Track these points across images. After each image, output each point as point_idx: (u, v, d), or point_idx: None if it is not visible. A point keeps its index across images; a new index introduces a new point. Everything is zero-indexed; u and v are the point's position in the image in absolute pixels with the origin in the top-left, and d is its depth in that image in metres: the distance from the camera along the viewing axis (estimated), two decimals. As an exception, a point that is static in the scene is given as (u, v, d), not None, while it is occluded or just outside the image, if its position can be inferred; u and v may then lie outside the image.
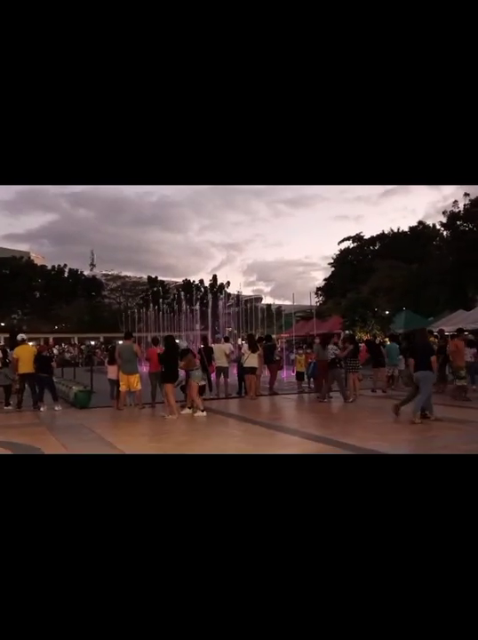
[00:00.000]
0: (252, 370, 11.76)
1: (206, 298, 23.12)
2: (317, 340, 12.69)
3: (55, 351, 31.01)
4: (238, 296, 23.37)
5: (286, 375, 16.56)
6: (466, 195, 37.45)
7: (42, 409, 10.47)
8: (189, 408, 9.63)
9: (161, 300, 26.40)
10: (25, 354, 10.75)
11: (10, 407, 10.93)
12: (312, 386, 13.11)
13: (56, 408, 10.56)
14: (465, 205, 36.73)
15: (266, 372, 13.29)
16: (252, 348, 11.86)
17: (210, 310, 23.43)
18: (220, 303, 24.19)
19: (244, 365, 11.88)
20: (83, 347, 41.59)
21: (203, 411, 9.34)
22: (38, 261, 67.50)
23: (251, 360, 11.70)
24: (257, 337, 14.19)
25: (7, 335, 30.30)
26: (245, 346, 12.45)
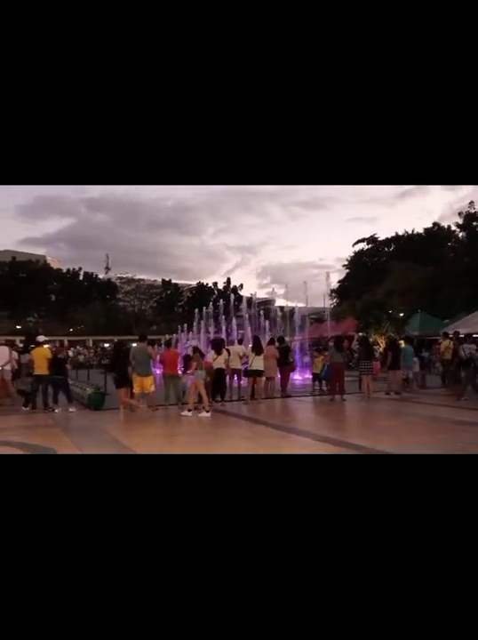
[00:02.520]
0: (257, 372, 11.50)
1: (219, 301, 23.15)
2: (331, 343, 12.64)
3: (70, 353, 31.30)
4: (251, 298, 23.35)
5: (302, 378, 16.52)
6: (483, 195, 37.15)
7: (56, 410, 10.59)
8: (188, 410, 9.84)
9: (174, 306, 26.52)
10: (36, 356, 10.90)
11: (26, 408, 11.06)
12: (325, 388, 13.05)
13: (70, 409, 10.66)
14: (481, 206, 36.39)
15: (278, 375, 13.22)
16: (257, 351, 11.58)
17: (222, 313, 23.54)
18: (233, 306, 24.25)
19: (250, 368, 11.56)
20: (99, 349, 41.96)
21: (207, 412, 9.60)
22: (54, 265, 68.29)
23: (257, 363, 11.43)
24: (269, 339, 14.17)
25: (24, 338, 30.64)
26: (249, 348, 12.07)
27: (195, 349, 10.72)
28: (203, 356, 10.48)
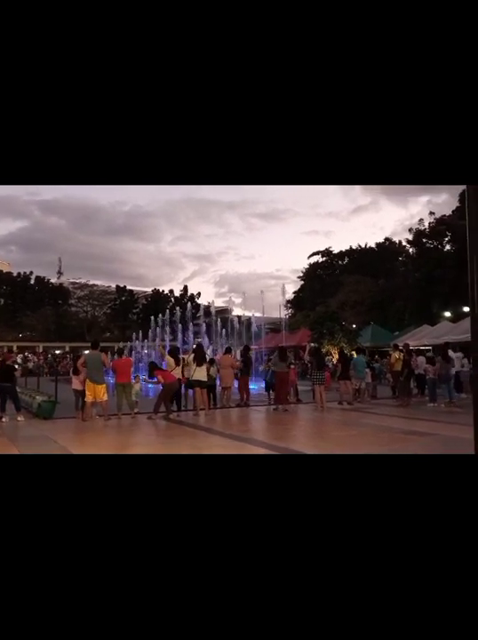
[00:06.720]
0: (200, 383, 11.04)
1: (175, 308, 22.99)
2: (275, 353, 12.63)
3: (18, 360, 30.16)
4: (209, 307, 23.33)
5: (257, 387, 16.59)
6: (432, 213, 38.89)
7: (3, 419, 10.18)
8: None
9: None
10: None
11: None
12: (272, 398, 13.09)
13: (19, 418, 10.28)
14: (430, 223, 37.95)
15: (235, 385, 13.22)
16: (199, 361, 11.03)
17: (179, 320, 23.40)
18: (190, 314, 24.19)
19: (192, 379, 11.03)
20: (49, 356, 40.71)
21: None
22: (4, 268, 65.83)
23: (199, 373, 10.98)
24: (225, 348, 14.16)
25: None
26: (190, 358, 11.33)
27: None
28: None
